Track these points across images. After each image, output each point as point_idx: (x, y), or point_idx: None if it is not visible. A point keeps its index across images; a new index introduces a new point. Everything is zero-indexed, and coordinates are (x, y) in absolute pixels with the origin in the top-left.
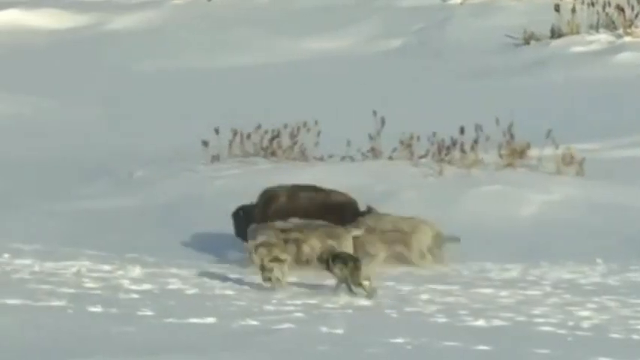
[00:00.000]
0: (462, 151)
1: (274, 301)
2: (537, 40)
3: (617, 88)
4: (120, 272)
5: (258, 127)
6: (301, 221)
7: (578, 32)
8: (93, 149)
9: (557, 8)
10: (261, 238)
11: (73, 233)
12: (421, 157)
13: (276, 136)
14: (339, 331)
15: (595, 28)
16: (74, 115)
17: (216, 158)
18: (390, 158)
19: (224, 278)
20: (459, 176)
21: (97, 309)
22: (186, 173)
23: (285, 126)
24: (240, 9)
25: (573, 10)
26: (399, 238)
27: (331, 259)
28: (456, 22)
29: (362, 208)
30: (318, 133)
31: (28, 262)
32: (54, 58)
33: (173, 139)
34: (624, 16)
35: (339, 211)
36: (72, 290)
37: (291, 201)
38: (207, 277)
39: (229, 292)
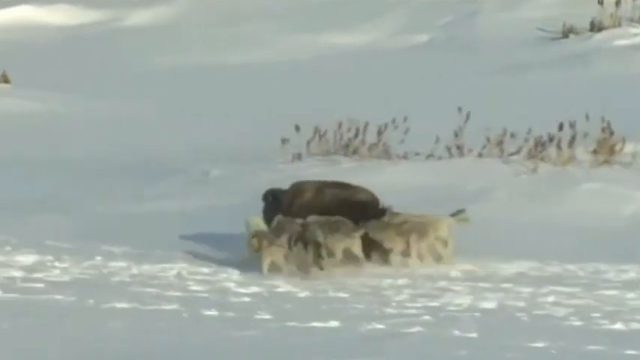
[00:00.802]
0: (559, 147)
1: (394, 304)
2: (577, 33)
3: None
4: (223, 275)
5: (339, 124)
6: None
7: (619, 25)
8: (160, 148)
9: (600, 1)
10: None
11: (155, 234)
12: (512, 154)
13: (357, 134)
14: (473, 334)
15: (638, 20)
16: (124, 113)
17: (296, 157)
18: (480, 155)
19: (331, 280)
20: (554, 174)
21: (212, 312)
22: (265, 172)
23: (366, 123)
24: (254, 3)
25: (617, 3)
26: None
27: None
28: (484, 16)
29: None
30: (406, 131)
31: (122, 264)
32: (72, 55)
33: (242, 137)
34: None
35: (362, 209)
36: (179, 293)
37: (316, 197)
38: (311, 279)
39: (343, 295)
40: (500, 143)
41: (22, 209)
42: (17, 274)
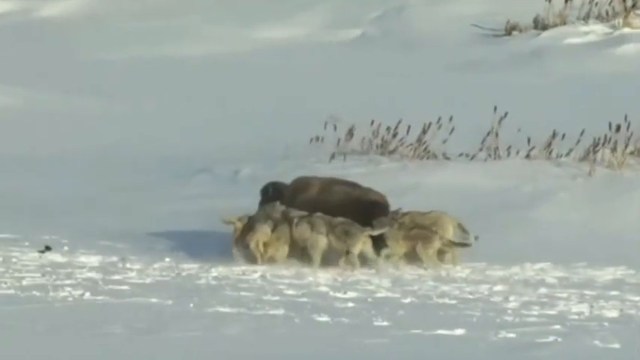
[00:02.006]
0: (614, 150)
1: (509, 312)
2: (521, 31)
3: None
4: (309, 278)
5: (372, 123)
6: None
7: (564, 23)
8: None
9: None
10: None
11: (202, 234)
12: (560, 156)
13: (395, 133)
14: (615, 345)
15: (584, 19)
16: (110, 108)
17: (332, 156)
18: (528, 157)
19: (416, 284)
20: (610, 177)
21: (324, 318)
22: (302, 171)
23: (400, 121)
24: None
25: (566, 0)
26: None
27: None
28: (414, 10)
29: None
30: (452, 130)
31: (194, 265)
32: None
33: (263, 136)
34: (625, 5)
35: (371, 210)
36: (277, 297)
37: (322, 194)
38: (402, 283)
39: (450, 301)
40: (549, 145)
41: (57, 208)
42: (92, 275)
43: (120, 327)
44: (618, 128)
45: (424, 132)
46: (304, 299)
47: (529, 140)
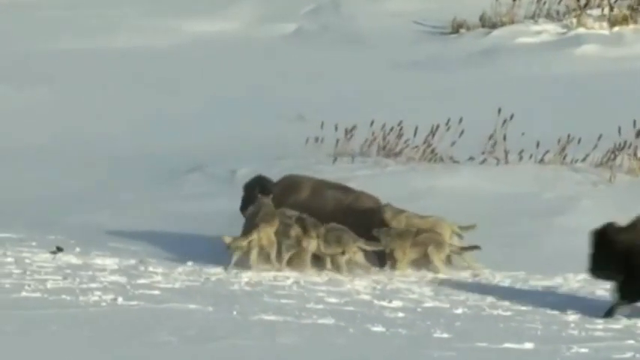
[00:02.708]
0: (635, 156)
1: (572, 325)
2: (468, 29)
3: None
4: (347, 286)
5: (371, 123)
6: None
7: (513, 22)
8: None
9: None
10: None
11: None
12: (575, 161)
13: (400, 135)
14: None
15: (533, 17)
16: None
17: (334, 158)
18: (542, 162)
19: (466, 293)
20: (632, 184)
21: (380, 328)
22: (306, 173)
23: (399, 123)
24: None
25: None
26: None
27: None
28: (351, 6)
29: None
30: (461, 133)
31: (219, 270)
32: None
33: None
34: (579, 4)
35: (365, 216)
36: (321, 306)
37: (314, 198)
38: (444, 292)
39: (504, 313)
40: (563, 149)
41: (50, 205)
42: (117, 278)
43: (167, 334)
44: (639, 133)
45: (432, 134)
46: (350, 308)
47: (538, 144)
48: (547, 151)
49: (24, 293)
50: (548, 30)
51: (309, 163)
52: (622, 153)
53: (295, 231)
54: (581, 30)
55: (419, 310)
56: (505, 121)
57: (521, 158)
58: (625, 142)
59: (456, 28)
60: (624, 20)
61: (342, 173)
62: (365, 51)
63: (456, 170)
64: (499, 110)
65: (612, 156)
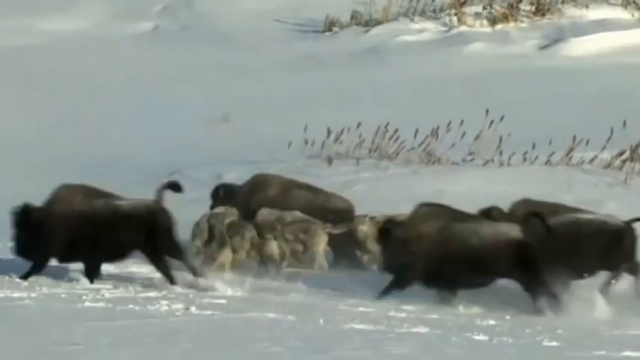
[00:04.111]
0: None
1: None
2: (342, 27)
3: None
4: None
5: (358, 125)
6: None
7: (387, 20)
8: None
9: None
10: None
11: None
12: (582, 162)
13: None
14: None
15: (407, 14)
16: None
17: (329, 161)
18: (548, 163)
19: None
20: None
21: (482, 337)
22: (301, 177)
23: (386, 125)
24: None
25: None
26: None
27: None
28: (206, 4)
29: None
30: (463, 135)
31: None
32: None
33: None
34: (458, 1)
35: (337, 217)
36: (404, 315)
37: (283, 196)
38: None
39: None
40: (570, 151)
41: None
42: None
43: (270, 344)
44: None
45: (434, 136)
46: (434, 316)
47: (533, 145)
48: (553, 153)
49: (87, 303)
50: (429, 28)
51: (302, 167)
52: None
53: (250, 234)
54: (464, 28)
55: (507, 317)
56: (492, 122)
57: (525, 159)
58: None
59: (329, 26)
60: (505, 18)
61: (345, 177)
62: (238, 51)
63: (460, 172)
64: (488, 111)
65: (631, 157)
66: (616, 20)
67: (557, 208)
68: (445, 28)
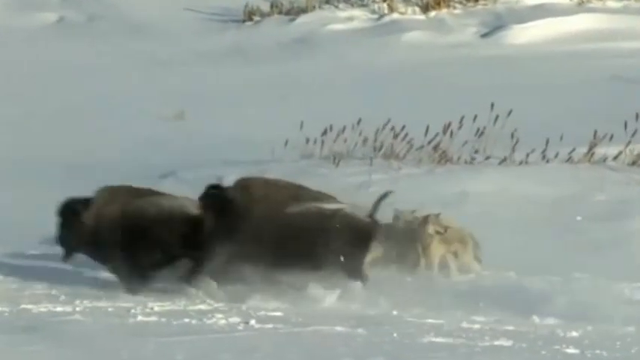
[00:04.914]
0: None
1: None
2: (262, 16)
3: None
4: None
5: (358, 122)
6: None
7: (311, 8)
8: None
9: None
10: None
11: None
12: (604, 159)
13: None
14: None
15: (329, 2)
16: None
17: (337, 162)
18: (569, 161)
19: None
20: None
21: (573, 350)
22: (310, 178)
23: (387, 123)
24: None
25: None
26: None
27: None
28: None
29: None
30: (479, 132)
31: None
32: None
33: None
34: None
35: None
36: (477, 326)
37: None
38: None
39: None
40: (592, 147)
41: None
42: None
43: None
44: None
45: (445, 134)
46: (509, 327)
47: (547, 142)
48: (573, 149)
49: (140, 318)
50: (358, 16)
51: (308, 166)
52: None
53: None
54: (396, 16)
55: (589, 328)
56: (496, 117)
57: (543, 157)
58: None
59: (249, 15)
60: (437, 5)
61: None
62: (155, 43)
63: (478, 172)
64: (492, 105)
65: None
66: (554, 5)
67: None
68: (375, 16)
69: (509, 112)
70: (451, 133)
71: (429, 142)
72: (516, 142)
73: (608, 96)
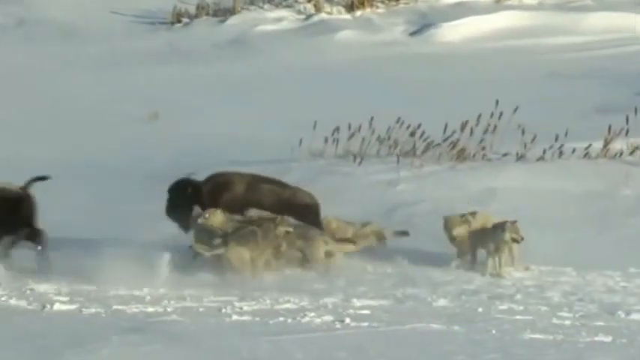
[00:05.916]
0: None
1: None
2: (191, 18)
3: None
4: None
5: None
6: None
7: (238, 10)
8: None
9: None
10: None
11: None
12: (620, 154)
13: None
14: None
15: (253, 3)
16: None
17: (359, 161)
18: (586, 156)
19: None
20: None
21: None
22: (333, 177)
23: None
24: None
25: None
26: None
27: None
28: None
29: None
30: (493, 129)
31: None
32: None
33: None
34: None
35: (303, 212)
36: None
37: (250, 192)
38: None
39: None
40: (608, 142)
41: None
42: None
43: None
44: None
45: (462, 131)
46: (599, 323)
47: (556, 138)
48: (590, 145)
49: (235, 317)
50: (286, 17)
51: (329, 166)
52: None
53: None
54: (323, 16)
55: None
56: (501, 114)
57: (559, 155)
58: None
59: (177, 17)
60: (361, 4)
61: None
62: (86, 46)
63: (500, 168)
64: (497, 102)
65: None
66: (473, 4)
67: None
68: (302, 16)
69: (497, 104)
70: (471, 130)
71: (425, 140)
72: (534, 138)
73: (545, 91)
